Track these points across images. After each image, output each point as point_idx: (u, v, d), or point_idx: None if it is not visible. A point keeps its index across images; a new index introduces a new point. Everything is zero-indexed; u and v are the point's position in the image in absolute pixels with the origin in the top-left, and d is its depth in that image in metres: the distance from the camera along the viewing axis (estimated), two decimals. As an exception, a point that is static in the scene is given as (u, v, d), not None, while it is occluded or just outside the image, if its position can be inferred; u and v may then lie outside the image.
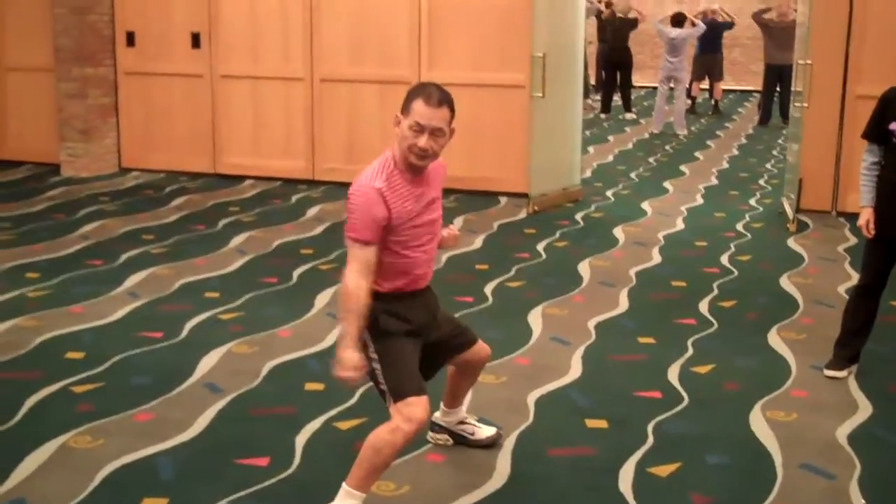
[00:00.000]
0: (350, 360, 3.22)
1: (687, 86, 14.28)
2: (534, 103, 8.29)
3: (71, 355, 4.92)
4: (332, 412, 4.28)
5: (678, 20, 14.24)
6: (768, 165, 11.16)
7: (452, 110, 3.31)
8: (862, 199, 4.68)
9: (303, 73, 9.39)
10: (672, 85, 14.30)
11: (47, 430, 4.04)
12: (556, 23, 8.55)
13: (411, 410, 3.22)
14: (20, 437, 3.99)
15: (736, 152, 12.24)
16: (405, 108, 3.28)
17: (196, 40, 9.65)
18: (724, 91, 19.23)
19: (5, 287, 6.02)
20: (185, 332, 5.29)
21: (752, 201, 9.10)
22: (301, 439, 4.02)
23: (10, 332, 5.23)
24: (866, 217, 4.63)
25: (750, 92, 20.22)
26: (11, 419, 4.16)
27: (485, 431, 3.99)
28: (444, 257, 6.86)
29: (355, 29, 9.19)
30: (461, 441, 3.98)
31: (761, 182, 10.13)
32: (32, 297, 5.85)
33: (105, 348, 5.01)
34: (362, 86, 9.22)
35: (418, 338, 3.44)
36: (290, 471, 3.76)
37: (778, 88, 14.54)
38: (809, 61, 7.88)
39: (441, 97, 3.26)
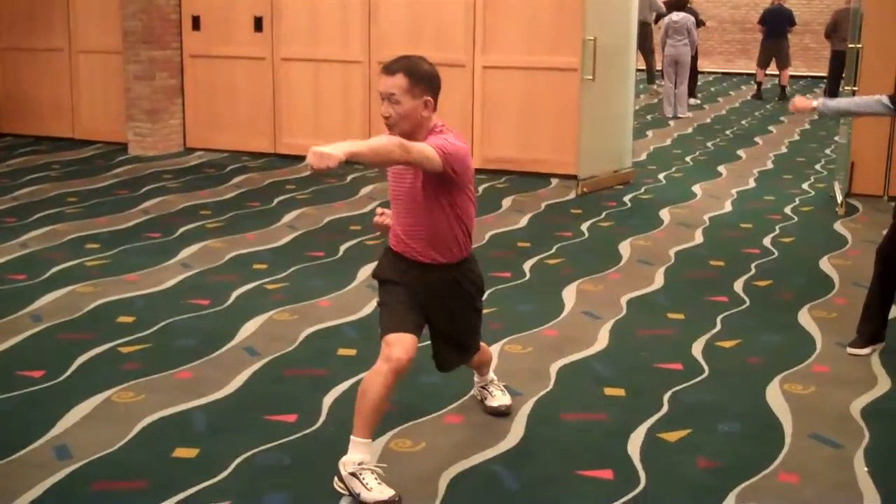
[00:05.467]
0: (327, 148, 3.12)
1: (689, 68, 14.13)
2: (584, 86, 8.39)
3: (122, 319, 5.20)
4: (361, 375, 4.45)
5: (679, 4, 14.13)
6: (828, 151, 11.09)
7: (414, 77, 3.39)
8: None
9: (361, 57, 9.62)
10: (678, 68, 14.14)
11: (93, 385, 4.32)
12: (608, 7, 8.63)
13: (390, 350, 3.40)
14: (68, 391, 4.27)
15: (797, 137, 12.17)
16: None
17: (259, 24, 9.93)
18: (796, 77, 19.07)
19: (67, 256, 6.35)
20: (230, 300, 5.54)
21: (805, 185, 9.09)
22: (329, 399, 4.24)
23: (67, 297, 5.54)
24: None
25: (821, 78, 19.93)
26: (62, 375, 4.45)
27: (496, 400, 4.12)
28: (488, 234, 7.04)
29: (412, 13, 9.38)
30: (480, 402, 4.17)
31: (817, 167, 10.09)
32: (91, 265, 6.17)
33: (154, 313, 5.29)
34: (418, 68, 9.40)
35: (415, 292, 3.56)
36: (315, 427, 3.98)
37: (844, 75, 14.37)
38: (860, 45, 7.86)
39: (396, 65, 3.40)
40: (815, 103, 5.03)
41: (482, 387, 4.17)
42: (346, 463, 3.40)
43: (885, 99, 4.83)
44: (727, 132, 12.54)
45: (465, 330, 3.77)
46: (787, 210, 8.01)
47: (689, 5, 14.87)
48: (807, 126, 13.23)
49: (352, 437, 3.42)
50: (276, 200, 8.12)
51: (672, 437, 3.93)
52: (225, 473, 3.57)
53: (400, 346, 3.41)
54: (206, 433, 3.91)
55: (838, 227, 7.47)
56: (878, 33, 8.01)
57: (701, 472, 3.66)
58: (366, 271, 6.10)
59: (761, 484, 3.57)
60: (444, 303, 3.63)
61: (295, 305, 5.46)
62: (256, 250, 6.59)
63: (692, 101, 15.42)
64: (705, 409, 4.20)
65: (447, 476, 3.58)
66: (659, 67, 17.21)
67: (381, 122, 10.37)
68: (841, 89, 9.22)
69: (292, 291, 5.71)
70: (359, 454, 3.40)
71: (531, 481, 3.57)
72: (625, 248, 6.78)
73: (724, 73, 20.53)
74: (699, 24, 15.28)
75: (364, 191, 8.54)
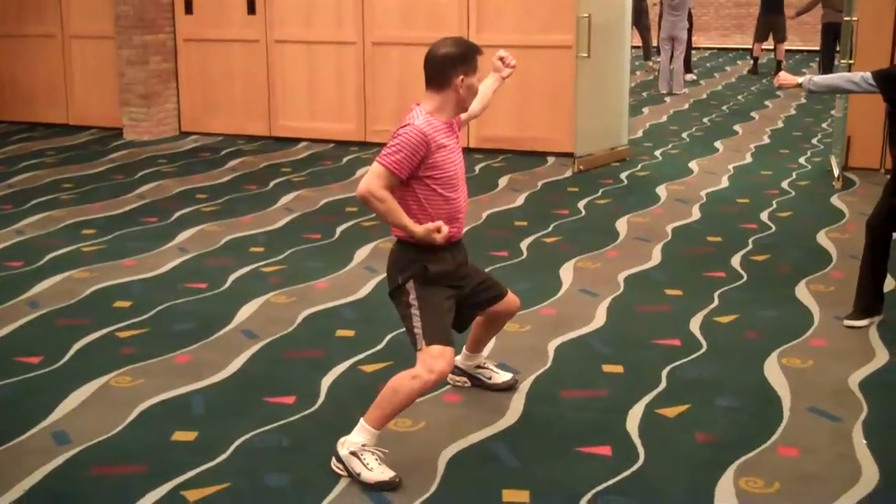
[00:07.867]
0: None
1: (685, 44, 14.07)
2: (579, 64, 8.36)
3: (119, 304, 5.19)
4: (360, 356, 4.49)
5: None
6: (824, 125, 11.06)
7: None
8: None
9: (355, 38, 9.57)
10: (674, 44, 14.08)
11: (91, 370, 4.32)
12: (602, -17, 8.60)
13: (435, 362, 3.38)
14: (65, 377, 4.27)
15: (793, 112, 12.13)
16: (474, 66, 3.45)
17: (252, 6, 9.88)
18: (792, 51, 19.00)
19: (63, 242, 6.34)
20: (227, 284, 5.53)
21: (802, 160, 9.08)
22: (327, 380, 4.24)
23: (63, 283, 5.54)
24: None
25: (817, 52, 19.85)
26: (59, 360, 4.45)
27: (502, 376, 4.16)
28: (484, 214, 7.03)
29: (405, -8, 9.35)
30: (479, 384, 4.16)
31: (814, 141, 10.07)
32: (87, 251, 6.16)
33: (151, 298, 5.28)
34: (413, 49, 9.35)
35: (458, 290, 3.60)
36: (313, 408, 3.98)
37: (838, 48, 14.32)
38: (856, 18, 7.83)
39: None
40: (800, 80, 5.01)
41: (477, 367, 4.16)
42: (348, 442, 3.40)
43: (868, 76, 4.79)
44: (723, 108, 12.51)
45: (485, 278, 3.87)
46: (784, 184, 8.00)
47: None
48: (803, 101, 13.18)
49: (362, 421, 3.42)
50: (271, 183, 8.10)
51: (671, 412, 3.94)
52: (224, 456, 3.57)
53: (445, 359, 3.41)
54: (205, 416, 3.91)
55: (835, 200, 7.46)
56: (874, 5, 7.97)
57: (700, 446, 3.66)
58: (362, 252, 6.10)
59: (760, 458, 3.57)
60: (468, 265, 3.72)
61: (292, 288, 5.46)
62: (253, 233, 6.58)
63: (689, 76, 15.37)
64: (704, 384, 4.20)
65: (447, 455, 3.59)
66: (655, 44, 17.18)
67: (376, 102, 10.21)
68: (836, 63, 9.17)
69: (289, 274, 5.70)
70: (362, 437, 3.39)
71: (530, 458, 3.57)
72: (622, 225, 6.77)
73: (719, 49, 20.46)
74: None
75: (360, 172, 8.51)
